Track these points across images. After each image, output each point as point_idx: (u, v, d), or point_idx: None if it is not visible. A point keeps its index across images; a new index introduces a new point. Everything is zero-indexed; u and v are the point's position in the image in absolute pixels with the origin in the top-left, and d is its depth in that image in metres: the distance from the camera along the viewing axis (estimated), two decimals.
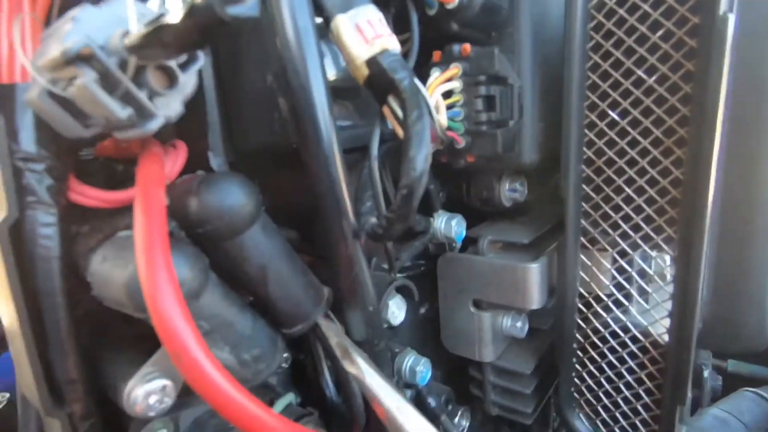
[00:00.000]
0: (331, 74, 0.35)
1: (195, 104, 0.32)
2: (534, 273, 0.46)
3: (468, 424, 0.57)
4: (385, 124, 0.32)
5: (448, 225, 0.47)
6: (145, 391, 0.28)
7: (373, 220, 0.29)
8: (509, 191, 0.50)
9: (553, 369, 0.53)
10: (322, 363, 0.39)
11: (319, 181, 0.28)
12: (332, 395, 0.38)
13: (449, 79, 0.37)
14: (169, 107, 0.24)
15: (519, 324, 0.52)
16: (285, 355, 0.39)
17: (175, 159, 0.32)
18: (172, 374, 0.30)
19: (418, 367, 0.46)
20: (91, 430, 0.30)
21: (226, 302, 0.28)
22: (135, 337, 0.34)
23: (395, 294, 0.43)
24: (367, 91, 0.30)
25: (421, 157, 0.25)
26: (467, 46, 0.38)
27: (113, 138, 0.36)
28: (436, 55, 0.40)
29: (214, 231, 0.27)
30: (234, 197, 0.27)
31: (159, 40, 0.19)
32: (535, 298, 0.46)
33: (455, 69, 0.38)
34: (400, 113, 0.29)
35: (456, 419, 0.54)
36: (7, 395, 0.45)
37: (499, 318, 0.52)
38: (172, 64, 0.23)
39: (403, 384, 0.48)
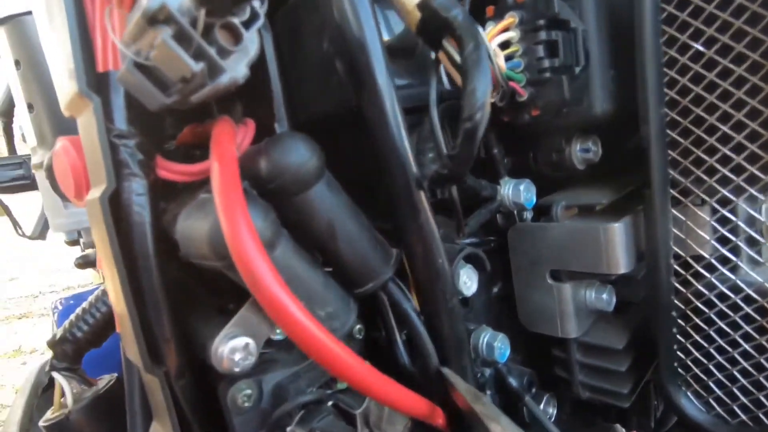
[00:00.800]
0: (384, 37, 0.35)
1: (259, 79, 0.34)
2: (618, 233, 0.42)
3: (555, 411, 0.53)
4: (440, 78, 0.32)
5: (516, 190, 0.45)
6: (230, 348, 0.29)
7: (434, 165, 0.29)
8: (581, 151, 0.46)
9: (650, 346, 0.48)
10: (394, 332, 0.38)
11: (381, 135, 0.28)
12: (407, 364, 0.38)
13: (506, 29, 0.36)
14: (236, 68, 0.26)
15: (605, 296, 0.47)
16: (358, 326, 0.39)
17: (245, 132, 0.34)
18: (254, 333, 0.31)
19: (496, 342, 0.44)
20: (185, 387, 0.32)
21: (297, 256, 0.29)
22: (218, 306, 0.36)
23: (465, 263, 0.42)
24: (422, 42, 0.30)
25: (482, 87, 0.24)
26: None
27: (190, 126, 0.40)
28: (489, 10, 0.39)
29: (283, 185, 0.28)
30: (299, 153, 0.28)
31: None
32: (622, 262, 0.42)
33: (511, 18, 0.36)
34: (456, 56, 0.29)
35: (542, 405, 0.51)
36: (116, 375, 0.49)
37: (581, 290, 0.48)
38: (236, 21, 0.24)
39: (480, 362, 0.46)
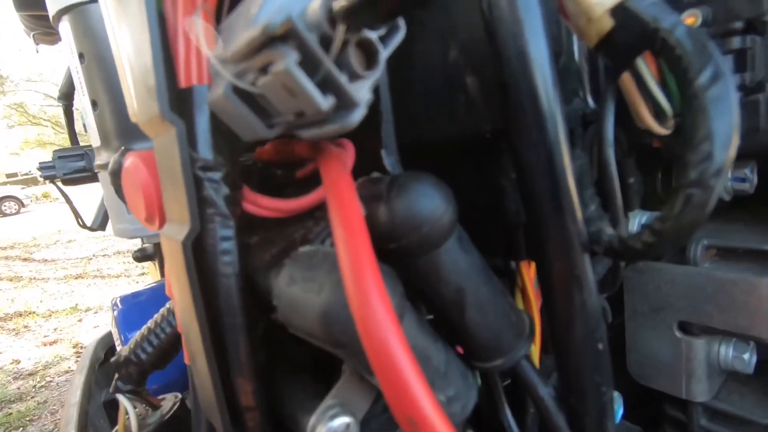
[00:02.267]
0: None
1: None
2: None
3: None
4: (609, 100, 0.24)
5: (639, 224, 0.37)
6: (329, 429, 0.24)
7: (609, 229, 0.22)
8: (734, 180, 0.37)
9: None
10: (500, 395, 0.32)
11: (539, 175, 0.21)
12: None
13: None
14: (364, 98, 0.19)
15: (746, 355, 0.39)
16: None
17: (345, 161, 0.28)
18: (353, 409, 0.26)
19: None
20: None
21: (421, 332, 0.23)
22: (307, 359, 0.31)
23: None
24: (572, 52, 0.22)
25: (724, 137, 0.17)
26: None
27: (275, 143, 0.34)
28: None
29: (409, 246, 0.22)
30: (432, 204, 0.21)
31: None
32: None
33: (692, 17, 0.28)
34: (651, 82, 0.21)
35: None
36: (179, 396, 0.46)
37: (715, 346, 0.40)
38: (374, 37, 0.18)
39: None
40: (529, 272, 0.31)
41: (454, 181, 0.31)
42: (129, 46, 0.26)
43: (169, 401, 0.46)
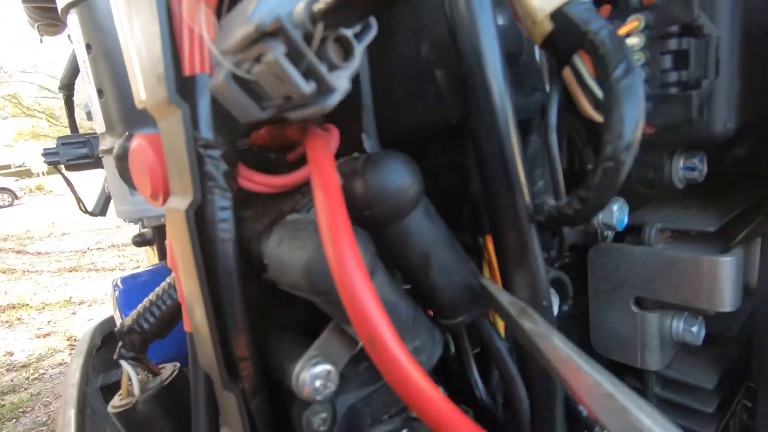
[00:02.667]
0: None
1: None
2: (727, 268, 0.37)
3: None
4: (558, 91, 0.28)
5: (608, 210, 0.41)
6: (312, 375, 0.28)
7: (551, 201, 0.25)
8: (684, 169, 0.41)
9: (738, 383, 0.44)
10: (469, 357, 0.36)
11: (492, 158, 0.25)
12: (482, 395, 0.36)
13: (627, 34, 0.31)
14: (342, 85, 0.23)
15: (694, 328, 0.43)
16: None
17: (330, 143, 0.32)
18: (334, 359, 0.29)
19: None
20: (260, 405, 0.31)
21: (390, 288, 0.27)
22: (294, 321, 0.35)
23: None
24: (531, 50, 0.26)
25: (633, 120, 0.20)
26: None
27: (268, 127, 0.38)
28: (605, 10, 0.34)
29: (380, 214, 0.25)
30: (401, 178, 0.25)
31: (351, 1, 0.17)
32: (728, 300, 0.38)
33: (635, 22, 0.31)
34: (587, 75, 0.25)
35: None
36: (178, 365, 0.50)
37: (668, 320, 0.44)
38: (349, 34, 0.21)
39: None
40: (493, 246, 0.35)
41: (427, 163, 0.35)
42: (139, 37, 0.30)
43: (168, 369, 0.49)
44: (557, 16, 0.23)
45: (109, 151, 0.68)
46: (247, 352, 0.30)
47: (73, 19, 0.64)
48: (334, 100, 0.21)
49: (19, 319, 4.24)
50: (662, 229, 0.42)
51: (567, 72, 0.25)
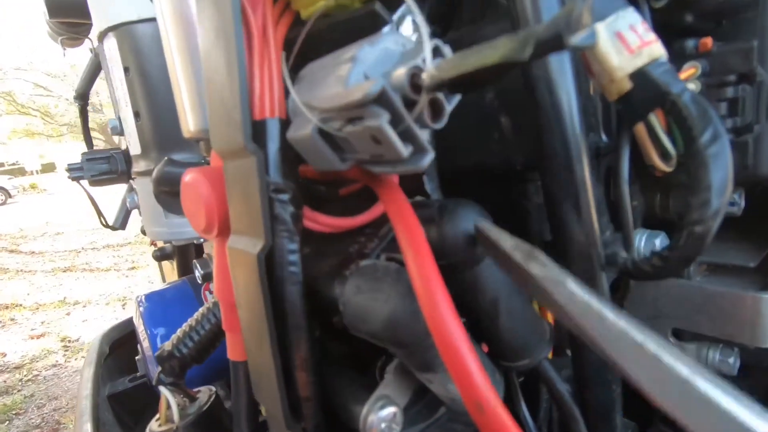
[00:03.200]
0: None
1: None
2: None
3: None
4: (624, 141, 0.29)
5: (650, 244, 0.41)
6: (379, 418, 0.28)
7: (623, 253, 0.26)
8: None
9: None
10: (518, 392, 0.37)
11: (566, 207, 0.26)
12: (531, 430, 0.36)
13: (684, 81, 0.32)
14: (428, 141, 0.23)
15: (731, 359, 0.44)
16: None
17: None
18: (398, 401, 0.30)
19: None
20: None
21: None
22: (348, 358, 0.35)
23: None
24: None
25: (720, 186, 0.21)
26: (708, 41, 0.32)
27: None
28: None
29: (455, 263, 0.26)
30: (473, 227, 0.25)
31: (464, 80, 0.18)
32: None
33: (692, 69, 0.32)
34: (660, 130, 0.25)
35: None
36: (214, 390, 0.50)
37: (703, 350, 0.45)
38: (441, 96, 0.22)
39: None
40: None
41: (484, 203, 0.36)
42: (210, 79, 0.30)
43: (204, 394, 0.49)
44: (638, 76, 0.24)
45: (144, 174, 0.68)
46: (309, 391, 0.31)
47: (111, 42, 0.64)
48: (427, 161, 0.22)
49: (12, 319, 4.20)
50: (701, 262, 0.43)
51: (640, 127, 0.26)
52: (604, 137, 0.35)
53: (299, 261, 0.29)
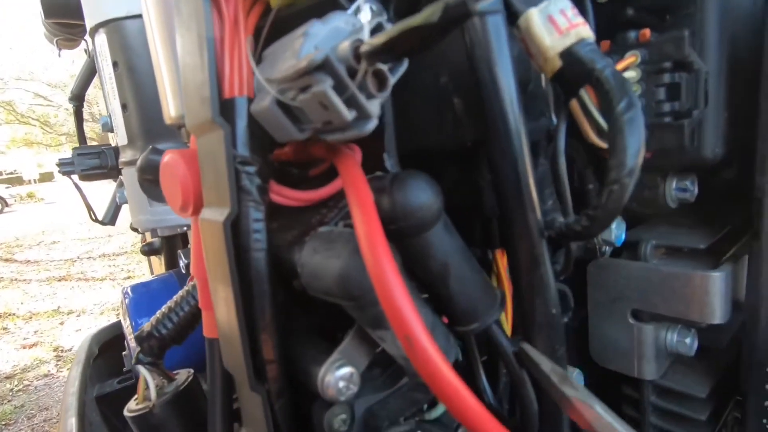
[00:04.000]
0: None
1: None
2: (717, 282, 0.40)
3: None
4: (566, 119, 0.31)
5: (607, 227, 0.44)
6: (336, 377, 0.30)
7: (560, 218, 0.28)
8: (677, 190, 0.45)
9: (729, 395, 0.46)
10: (478, 364, 0.38)
11: (506, 178, 0.28)
12: (491, 400, 0.38)
13: (626, 68, 0.35)
14: (375, 110, 0.26)
15: (688, 340, 0.46)
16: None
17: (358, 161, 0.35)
18: (356, 363, 0.32)
19: (573, 375, 0.44)
20: (284, 407, 0.33)
21: (412, 296, 0.29)
22: (313, 327, 0.37)
23: None
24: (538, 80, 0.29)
25: (634, 148, 0.23)
26: (647, 32, 0.35)
27: (292, 144, 0.41)
28: (604, 45, 0.38)
29: (405, 228, 0.28)
30: (425, 196, 0.28)
31: (394, 46, 0.20)
32: (717, 312, 0.41)
33: (632, 57, 0.35)
34: (591, 106, 0.28)
35: None
36: (192, 371, 0.51)
37: (662, 332, 0.47)
38: (384, 68, 0.24)
39: None
40: (502, 259, 0.37)
41: (442, 181, 0.38)
42: (182, 61, 0.32)
43: (183, 375, 0.51)
44: (566, 54, 0.26)
45: (130, 163, 0.70)
46: (273, 355, 0.32)
47: (101, 37, 0.67)
48: (370, 125, 0.24)
49: (5, 328, 4.17)
50: (657, 245, 0.45)
51: (574, 103, 0.28)
52: (554, 120, 0.37)
53: (264, 229, 0.31)
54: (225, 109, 0.31)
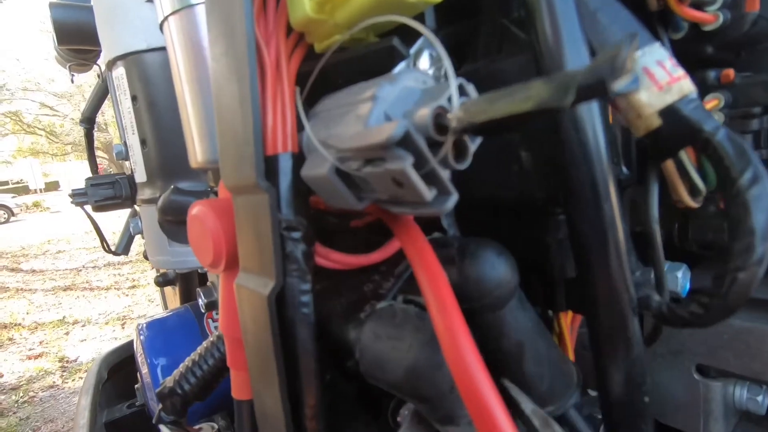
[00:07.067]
0: None
1: None
2: None
3: None
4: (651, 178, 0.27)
5: (672, 277, 0.40)
6: None
7: (656, 296, 0.25)
8: None
9: None
10: None
11: (595, 246, 0.24)
12: None
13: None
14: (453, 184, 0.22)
15: (759, 398, 0.42)
16: None
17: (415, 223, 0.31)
18: None
19: None
20: None
21: None
22: (360, 393, 0.33)
23: None
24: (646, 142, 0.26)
25: (763, 231, 0.20)
26: (730, 72, 0.31)
27: None
28: None
29: (477, 307, 0.24)
30: (500, 272, 0.24)
31: (495, 127, 0.17)
32: None
33: (715, 101, 0.31)
34: (690, 166, 0.24)
35: None
36: (216, 426, 0.48)
37: (730, 388, 0.43)
38: (467, 139, 0.21)
39: None
40: (566, 321, 0.34)
41: (500, 236, 0.34)
42: (220, 114, 0.29)
43: (205, 431, 0.47)
44: (667, 113, 0.23)
45: (149, 201, 0.67)
46: None
47: (119, 71, 0.64)
48: (451, 203, 0.20)
49: (10, 339, 4.14)
50: None
51: (669, 163, 0.25)
52: (624, 169, 0.34)
53: (311, 302, 0.28)
54: (267, 167, 0.27)
